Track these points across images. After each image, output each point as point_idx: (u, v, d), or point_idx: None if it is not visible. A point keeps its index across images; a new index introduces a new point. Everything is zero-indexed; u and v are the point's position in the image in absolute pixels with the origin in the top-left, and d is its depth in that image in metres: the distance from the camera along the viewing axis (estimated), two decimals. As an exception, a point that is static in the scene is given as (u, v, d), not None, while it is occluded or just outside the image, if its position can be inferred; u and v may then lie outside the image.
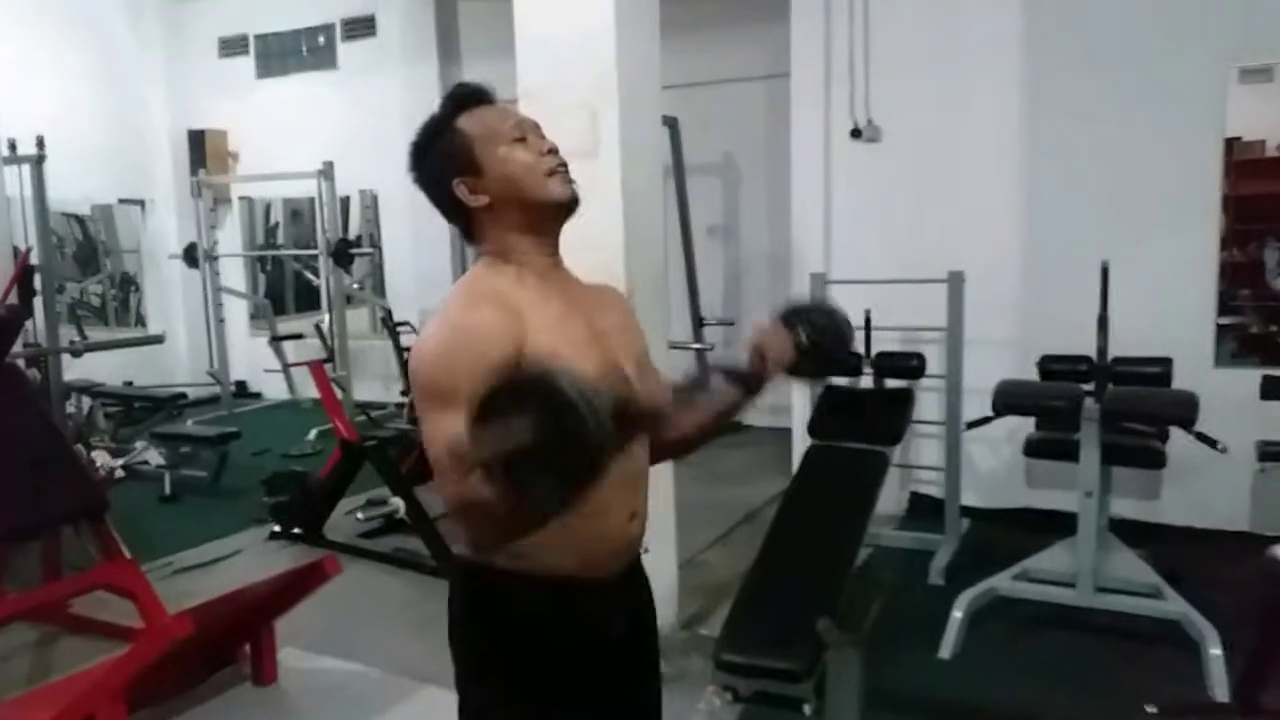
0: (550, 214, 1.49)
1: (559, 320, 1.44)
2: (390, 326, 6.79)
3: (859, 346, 4.24)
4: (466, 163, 1.46)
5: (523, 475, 1.14)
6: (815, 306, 1.71)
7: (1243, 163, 4.30)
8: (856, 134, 4.83)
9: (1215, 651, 3.08)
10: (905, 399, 4.14)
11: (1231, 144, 4.27)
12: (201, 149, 8.49)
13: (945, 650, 3.36)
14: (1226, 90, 4.22)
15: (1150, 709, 2.91)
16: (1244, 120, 4.27)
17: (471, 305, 1.42)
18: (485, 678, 1.49)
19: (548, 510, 1.25)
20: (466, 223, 1.51)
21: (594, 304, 1.55)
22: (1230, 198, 4.28)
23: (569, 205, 1.48)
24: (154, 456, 5.70)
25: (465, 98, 1.52)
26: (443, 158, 1.48)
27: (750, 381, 1.57)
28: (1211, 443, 3.38)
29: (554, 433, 1.11)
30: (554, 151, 1.49)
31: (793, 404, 4.87)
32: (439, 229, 7.44)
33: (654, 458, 1.60)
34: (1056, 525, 3.88)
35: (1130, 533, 3.80)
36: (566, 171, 1.48)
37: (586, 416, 1.11)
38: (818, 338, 1.60)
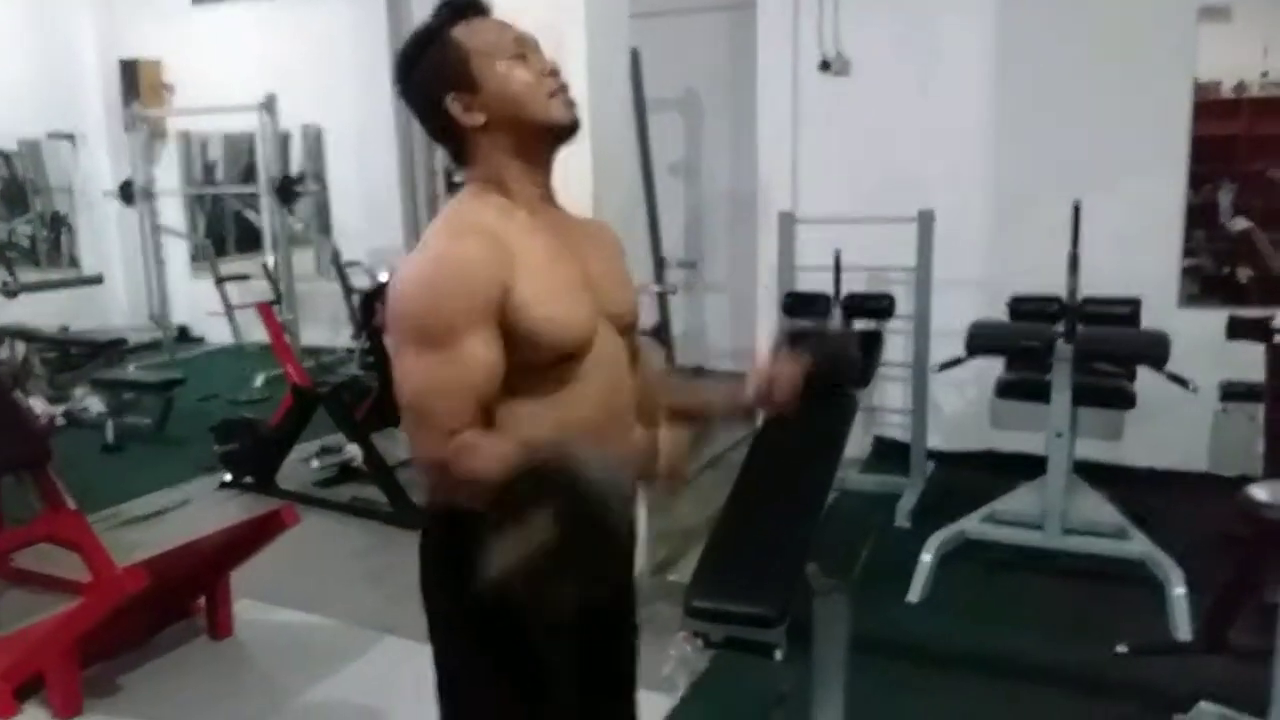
0: (548, 138, 1.40)
1: (549, 261, 1.35)
2: (339, 266, 6.58)
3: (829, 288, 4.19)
4: (462, 77, 1.35)
5: (540, 570, 1.06)
6: (822, 332, 1.65)
7: (1201, 104, 4.27)
8: (825, 66, 4.70)
9: (1179, 590, 3.12)
10: (874, 341, 4.10)
11: (1194, 86, 4.24)
12: (134, 80, 8.07)
13: (914, 593, 3.36)
14: (1195, 29, 4.17)
15: (1121, 648, 2.94)
16: (1202, 62, 4.23)
17: (458, 238, 1.32)
18: (458, 628, 1.43)
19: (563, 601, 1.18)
20: (458, 143, 1.40)
21: (587, 243, 1.47)
22: (1191, 139, 4.26)
23: (569, 128, 1.39)
24: (95, 404, 5.48)
25: (462, 6, 1.40)
26: (435, 70, 1.37)
27: (751, 411, 1.54)
28: (1183, 382, 3.39)
29: (577, 529, 1.05)
30: (555, 73, 1.39)
31: (758, 348, 4.81)
32: (387, 165, 7.37)
33: None
34: (1022, 468, 3.89)
35: (1094, 474, 3.83)
36: (567, 93, 1.39)
37: (611, 506, 1.06)
38: (827, 367, 1.55)
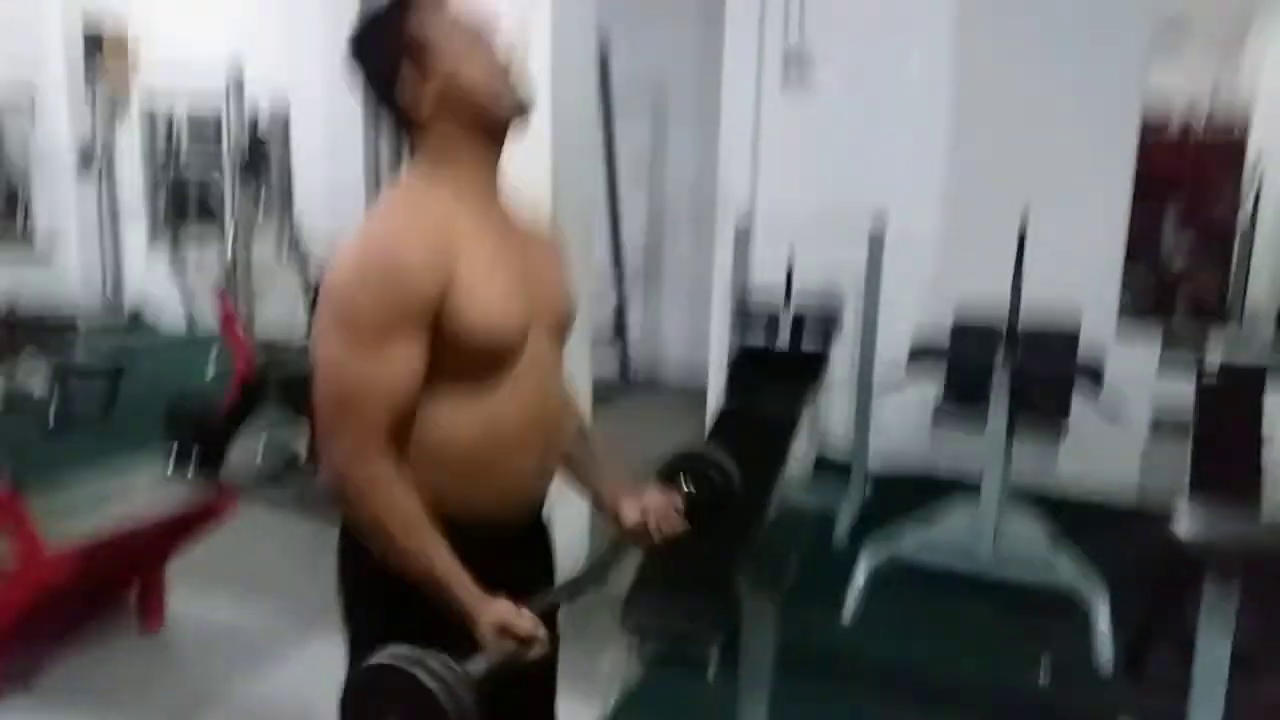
0: (501, 122, 1.39)
1: (489, 261, 1.34)
2: (298, 251, 6.52)
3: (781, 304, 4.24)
4: (420, 52, 1.34)
5: None
6: (701, 457, 1.65)
7: (1148, 130, 4.38)
8: (790, 67, 4.75)
9: (1104, 618, 3.19)
10: (818, 363, 4.15)
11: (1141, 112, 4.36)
12: (98, 47, 7.88)
13: (847, 612, 3.42)
14: (1148, 51, 4.28)
15: (1045, 674, 3.01)
16: (1153, 89, 4.36)
17: (401, 231, 1.30)
18: (374, 631, 1.39)
19: None
20: (408, 123, 1.38)
21: (528, 246, 1.46)
22: (1140, 163, 4.37)
23: (522, 107, 1.39)
24: (38, 385, 5.39)
25: None
26: (393, 42, 1.35)
27: (620, 529, 1.56)
28: (1114, 415, 3.47)
29: None
30: (509, 53, 1.40)
31: (710, 362, 4.85)
32: (352, 142, 7.19)
33: None
34: (957, 492, 3.96)
35: (1027, 502, 3.90)
36: (523, 73, 1.39)
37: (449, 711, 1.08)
38: (704, 498, 1.58)
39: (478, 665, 1.20)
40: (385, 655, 1.14)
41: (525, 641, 1.27)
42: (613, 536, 1.58)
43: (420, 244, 1.28)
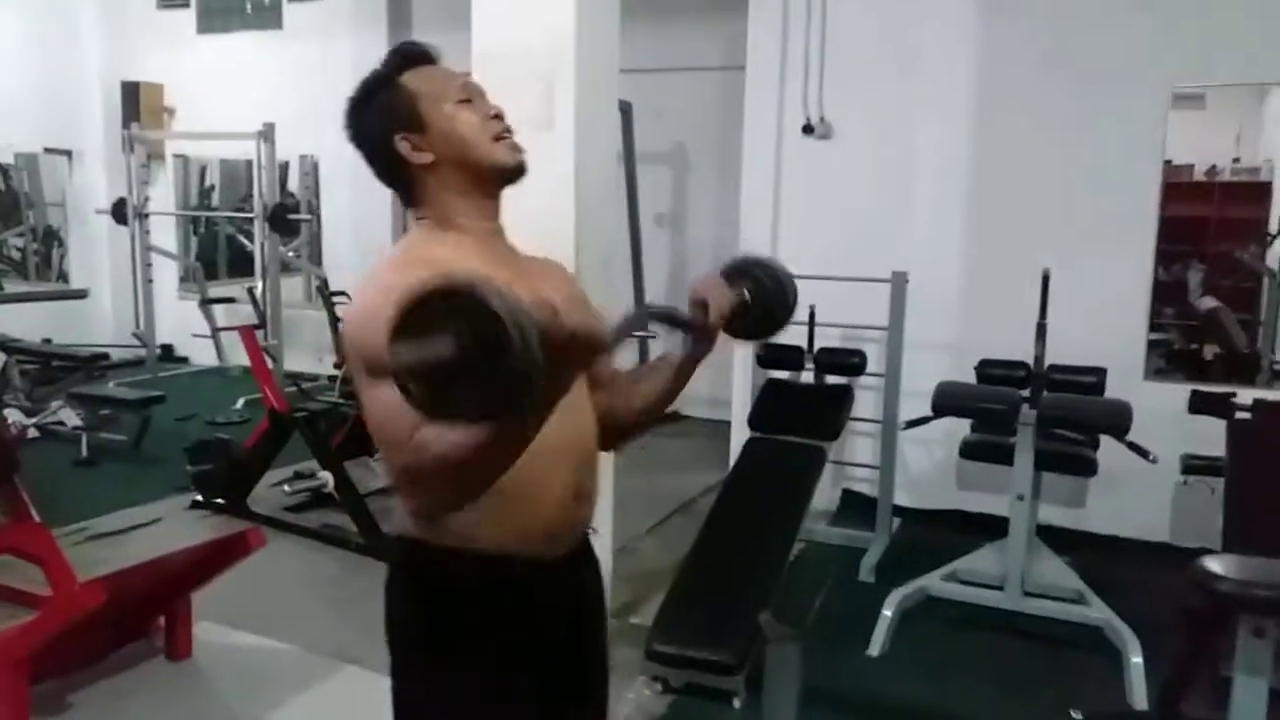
0: (495, 178, 1.44)
1: None
2: (325, 295, 6.62)
3: (804, 340, 4.26)
4: (410, 118, 1.40)
5: (443, 390, 1.06)
6: (758, 261, 1.66)
7: (1172, 186, 4.38)
8: (809, 130, 4.82)
9: (1136, 659, 3.15)
10: (844, 396, 4.16)
11: (1165, 167, 4.36)
12: (135, 101, 8.17)
13: (874, 648, 3.39)
14: (1166, 114, 4.31)
15: (1076, 715, 2.96)
16: (1175, 145, 4.35)
17: (406, 269, 1.33)
18: (421, 665, 1.42)
19: (479, 442, 1.17)
20: (406, 183, 1.44)
21: (539, 276, 1.49)
22: (1162, 218, 4.38)
23: (515, 170, 1.43)
24: (70, 417, 5.48)
25: (410, 56, 1.46)
26: (385, 112, 1.42)
27: (692, 331, 1.51)
28: (1144, 453, 3.46)
29: (476, 347, 1.03)
30: (499, 116, 1.44)
31: (733, 396, 4.87)
32: (380, 199, 7.48)
33: (609, 441, 1.56)
34: (985, 528, 3.95)
35: (1056, 539, 3.88)
36: (512, 136, 1.43)
37: (512, 333, 1.02)
38: (757, 291, 1.56)
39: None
40: (454, 279, 1.07)
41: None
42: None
43: (424, 274, 1.30)
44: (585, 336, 1.20)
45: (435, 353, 1.05)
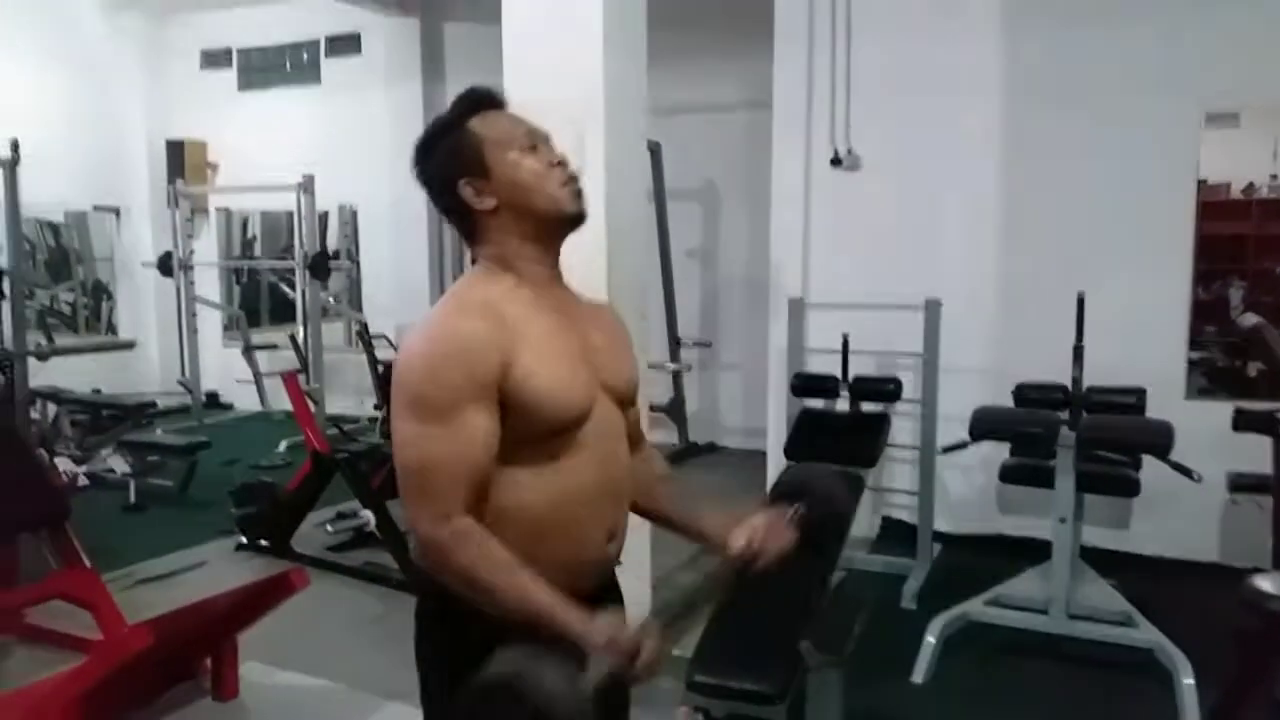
0: (556, 226, 1.47)
1: (550, 334, 1.41)
2: (366, 339, 6.74)
3: (837, 371, 4.26)
4: (475, 164, 1.43)
5: None
6: (812, 487, 1.69)
7: (1209, 204, 4.36)
8: (836, 162, 4.85)
9: (1188, 681, 3.08)
10: (881, 422, 4.14)
11: (1200, 186, 4.33)
12: (180, 159, 8.44)
13: (918, 675, 3.34)
14: (1199, 133, 4.28)
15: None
16: (1211, 163, 4.33)
17: (461, 314, 1.39)
18: (451, 690, 1.44)
19: None
20: (469, 225, 1.47)
21: (588, 320, 1.53)
22: (1198, 237, 4.34)
23: (576, 218, 1.46)
24: (119, 464, 5.60)
25: (478, 100, 1.49)
26: (451, 156, 1.45)
27: (730, 561, 1.55)
28: (1187, 472, 3.40)
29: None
30: (563, 164, 1.47)
31: (768, 426, 4.87)
32: (418, 244, 7.65)
33: None
34: (1027, 552, 3.89)
35: (1101, 561, 3.81)
36: (576, 184, 1.46)
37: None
38: (817, 522, 1.62)
39: (590, 678, 1.22)
40: (505, 663, 1.19)
41: (632, 657, 1.27)
42: (723, 563, 1.58)
43: (479, 321, 1.35)
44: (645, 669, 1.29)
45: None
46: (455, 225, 1.50)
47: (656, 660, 1.29)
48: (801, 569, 3.35)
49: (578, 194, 1.46)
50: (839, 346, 4.24)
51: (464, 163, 1.43)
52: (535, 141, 1.46)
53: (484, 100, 1.49)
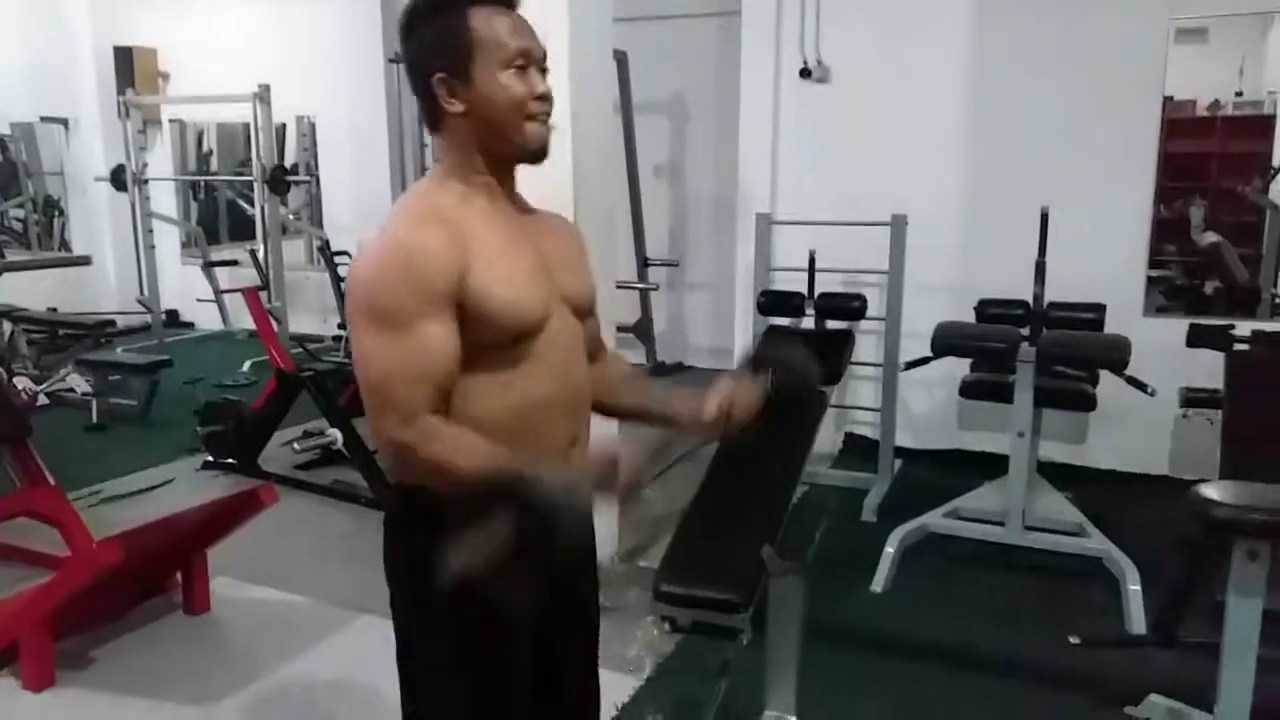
0: (514, 157, 1.44)
1: (505, 245, 1.40)
2: (328, 256, 6.64)
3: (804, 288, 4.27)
4: (459, 65, 1.37)
5: (497, 572, 1.16)
6: (781, 350, 1.68)
7: (1174, 121, 4.36)
8: (806, 73, 4.79)
9: (1134, 587, 3.21)
10: (845, 339, 4.17)
11: (1165, 103, 4.33)
12: (129, 67, 8.12)
13: (878, 584, 3.45)
14: (1166, 49, 4.26)
15: (1074, 640, 3.02)
16: (1177, 80, 4.32)
17: (413, 225, 1.37)
18: (420, 595, 1.46)
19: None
20: (434, 117, 1.43)
21: (544, 232, 1.51)
22: (1162, 155, 4.35)
23: (535, 154, 1.43)
24: (80, 384, 5.53)
25: None
26: (437, 44, 1.39)
27: (705, 429, 1.57)
28: (1142, 386, 3.48)
29: (533, 541, 1.15)
30: (544, 98, 1.41)
31: (735, 344, 4.89)
32: (379, 159, 7.48)
33: None
34: (986, 466, 3.99)
35: (1057, 475, 3.92)
36: (547, 120, 1.42)
37: (565, 522, 1.15)
38: (786, 385, 1.59)
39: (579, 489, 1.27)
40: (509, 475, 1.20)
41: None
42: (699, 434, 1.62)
43: (433, 231, 1.34)
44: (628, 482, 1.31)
45: (493, 547, 1.14)
46: (420, 107, 1.45)
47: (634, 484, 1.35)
48: (765, 482, 3.43)
49: (545, 129, 1.42)
50: (805, 264, 4.25)
51: (447, 58, 1.37)
52: (529, 62, 1.40)
53: None
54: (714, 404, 1.55)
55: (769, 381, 1.57)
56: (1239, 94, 4.39)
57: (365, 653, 2.99)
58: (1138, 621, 3.13)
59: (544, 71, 1.43)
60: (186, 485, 4.50)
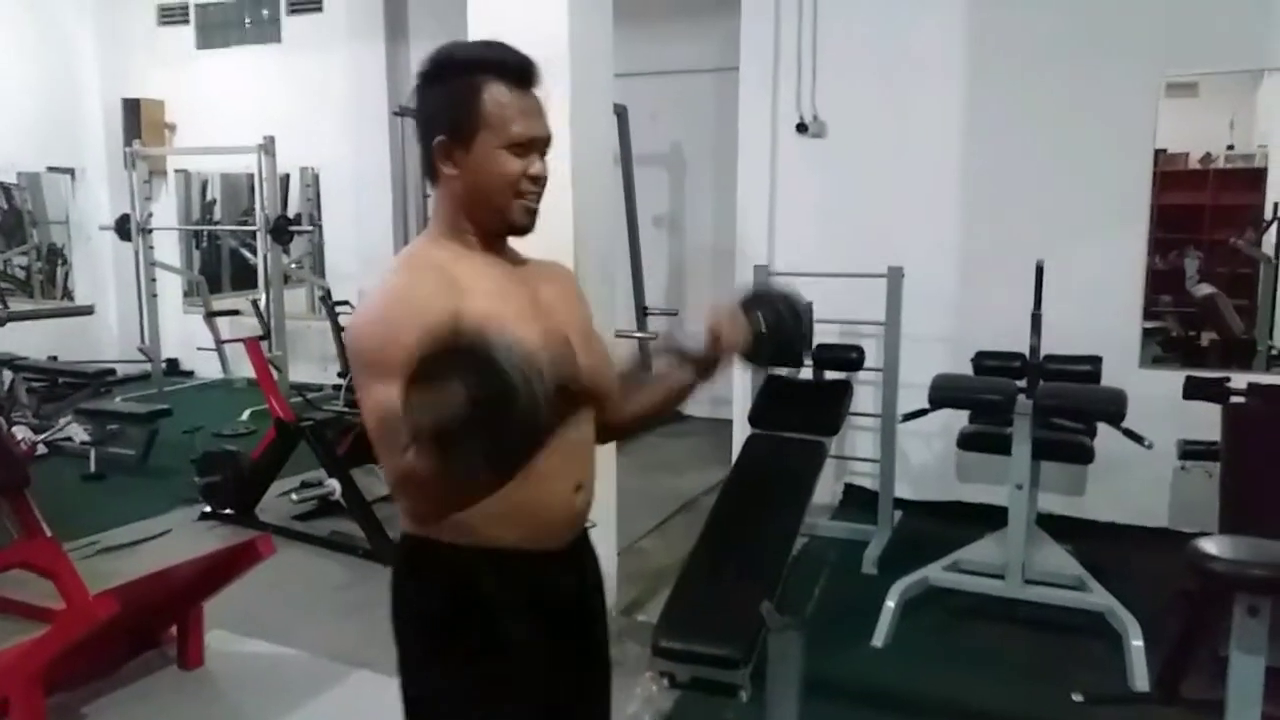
0: (498, 227, 1.47)
1: (498, 290, 1.43)
2: (329, 306, 6.68)
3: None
4: (463, 131, 1.41)
5: (453, 444, 1.13)
6: (774, 293, 1.71)
7: (1167, 174, 4.41)
8: (802, 128, 4.86)
9: (1137, 643, 3.18)
10: (843, 390, 4.19)
11: (1158, 156, 4.38)
12: (136, 118, 8.23)
13: (879, 638, 3.42)
14: (1158, 104, 4.34)
15: (1077, 697, 2.99)
16: (1169, 133, 4.38)
17: (409, 272, 1.41)
18: (429, 657, 1.46)
19: (479, 479, 1.24)
20: (432, 171, 1.47)
21: (537, 278, 1.54)
22: (1155, 207, 4.40)
23: (520, 231, 1.47)
24: (78, 433, 5.53)
25: (509, 66, 1.44)
26: (447, 107, 1.42)
27: (702, 363, 1.59)
28: (1139, 439, 3.49)
29: (486, 402, 1.10)
30: (539, 180, 1.45)
31: (734, 394, 4.91)
32: (381, 209, 7.55)
33: (601, 438, 1.60)
34: (986, 518, 3.98)
35: (1056, 527, 3.91)
36: (537, 202, 1.46)
37: (520, 387, 1.10)
38: (775, 324, 1.61)
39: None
40: (465, 333, 1.15)
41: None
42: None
43: (424, 278, 1.38)
44: (592, 381, 1.26)
45: (446, 403, 1.10)
46: (421, 157, 1.48)
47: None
48: (764, 534, 3.41)
49: (533, 213, 1.46)
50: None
51: (454, 125, 1.41)
52: (532, 145, 1.43)
53: (514, 69, 1.44)
54: (705, 336, 1.58)
55: (759, 319, 1.60)
56: (1230, 147, 4.46)
57: (362, 708, 2.97)
58: (1140, 678, 3.10)
59: (544, 154, 1.46)
60: (184, 536, 4.48)
